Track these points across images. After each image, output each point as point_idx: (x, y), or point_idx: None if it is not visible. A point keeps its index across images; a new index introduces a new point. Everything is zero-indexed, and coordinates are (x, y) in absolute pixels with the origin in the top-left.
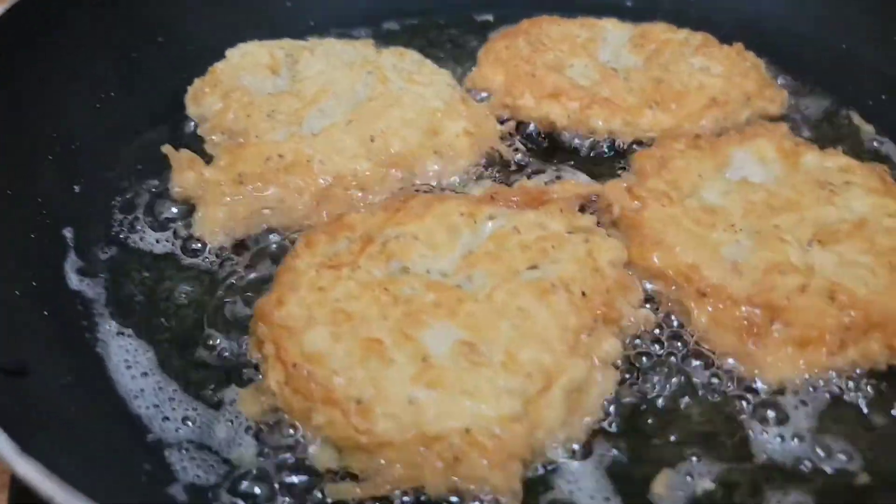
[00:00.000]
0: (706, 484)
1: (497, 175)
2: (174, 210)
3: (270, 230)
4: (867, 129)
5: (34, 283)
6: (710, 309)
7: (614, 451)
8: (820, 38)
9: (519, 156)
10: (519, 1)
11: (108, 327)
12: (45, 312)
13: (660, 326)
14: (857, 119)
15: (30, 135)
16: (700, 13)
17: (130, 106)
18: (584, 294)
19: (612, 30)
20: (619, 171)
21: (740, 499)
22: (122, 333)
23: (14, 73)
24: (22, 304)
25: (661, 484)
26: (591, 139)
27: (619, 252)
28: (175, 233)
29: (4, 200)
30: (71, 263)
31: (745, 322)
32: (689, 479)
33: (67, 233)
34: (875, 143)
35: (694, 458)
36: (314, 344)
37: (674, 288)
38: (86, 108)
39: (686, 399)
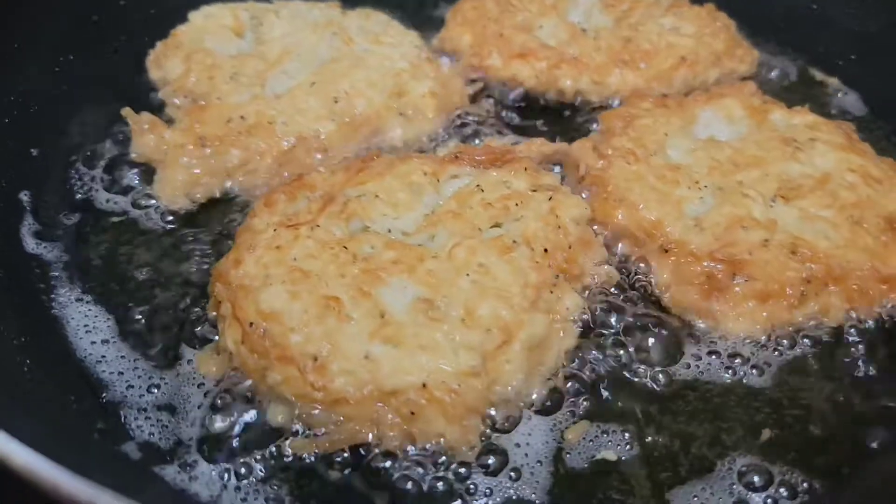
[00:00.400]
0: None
1: (463, 135)
2: (134, 174)
3: (232, 193)
4: (832, 81)
5: None
6: (672, 265)
7: (569, 410)
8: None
9: (488, 117)
10: None
11: (67, 291)
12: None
13: (622, 285)
14: (820, 75)
15: None
16: None
17: (90, 70)
18: (545, 251)
19: None
20: (590, 131)
21: None
22: (81, 300)
23: None
24: None
25: (575, 432)
26: (560, 100)
27: (582, 209)
28: (135, 197)
29: None
30: (27, 227)
31: (707, 277)
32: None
33: (24, 196)
34: (841, 97)
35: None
36: (270, 302)
37: (636, 246)
38: (44, 72)
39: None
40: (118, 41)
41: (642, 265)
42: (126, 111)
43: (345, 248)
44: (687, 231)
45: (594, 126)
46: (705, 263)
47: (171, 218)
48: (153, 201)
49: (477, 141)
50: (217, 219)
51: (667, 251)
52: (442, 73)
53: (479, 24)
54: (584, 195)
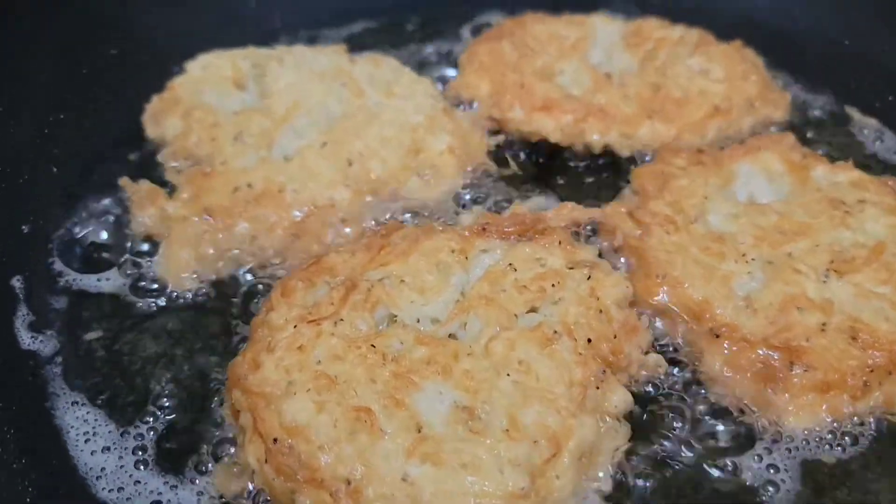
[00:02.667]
0: None
1: (485, 196)
2: (135, 250)
3: (242, 268)
4: (869, 121)
5: None
6: (724, 351)
7: None
8: (819, 32)
9: (509, 173)
10: None
11: (66, 393)
12: None
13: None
14: (857, 116)
15: None
16: (693, 3)
17: (83, 128)
18: (589, 341)
19: (603, 27)
20: (621, 186)
21: None
22: (81, 403)
23: None
24: None
25: None
26: (587, 152)
27: (624, 289)
28: (137, 276)
29: None
30: (21, 319)
31: (763, 365)
32: None
33: (16, 282)
34: (879, 144)
35: None
36: (295, 415)
37: (684, 327)
38: (33, 136)
39: (701, 452)
40: (112, 94)
41: (689, 349)
42: (124, 181)
43: (372, 346)
44: (738, 313)
45: (625, 183)
46: (760, 351)
47: (177, 300)
48: (156, 283)
49: (499, 199)
50: (227, 300)
51: (717, 336)
52: (459, 124)
53: (497, 70)
54: (621, 266)
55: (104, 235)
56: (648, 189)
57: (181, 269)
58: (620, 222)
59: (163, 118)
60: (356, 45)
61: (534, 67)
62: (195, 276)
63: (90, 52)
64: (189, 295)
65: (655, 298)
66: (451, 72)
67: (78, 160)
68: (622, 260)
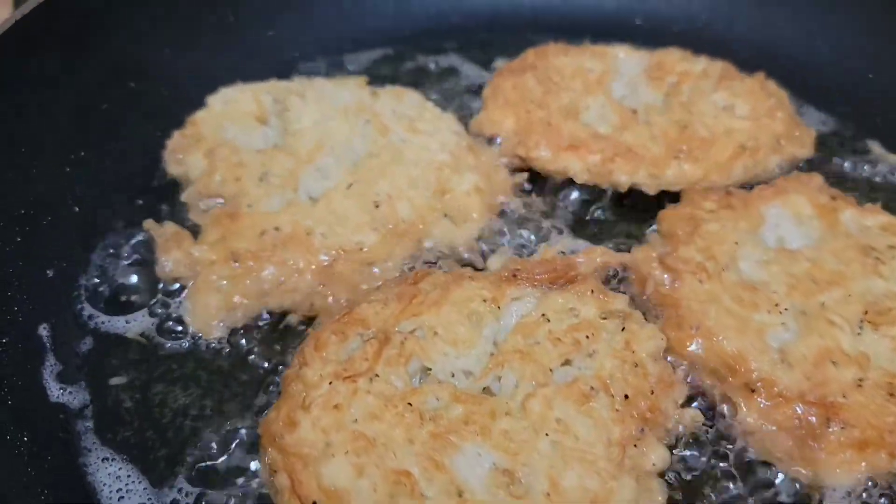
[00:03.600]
0: None
1: (511, 235)
2: (162, 288)
3: (269, 314)
4: (891, 158)
5: (10, 401)
6: (760, 406)
7: None
8: (842, 63)
9: (534, 212)
10: (519, 21)
11: (97, 448)
12: (25, 437)
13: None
14: (879, 150)
15: None
16: (713, 35)
17: (104, 166)
18: (626, 397)
19: (625, 59)
20: (645, 224)
21: None
22: (112, 459)
23: None
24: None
25: None
26: (612, 191)
27: (659, 341)
28: (164, 322)
29: None
30: (49, 369)
31: (800, 422)
32: None
33: (43, 331)
34: None
35: None
36: (335, 478)
37: (716, 380)
38: (54, 176)
39: None
40: (131, 130)
41: (721, 401)
42: (148, 224)
43: (409, 404)
44: (773, 367)
45: (650, 219)
46: (797, 407)
47: (205, 346)
48: (181, 326)
49: (525, 238)
50: (255, 346)
51: (753, 391)
52: (483, 162)
53: (522, 107)
54: (650, 313)
55: (130, 277)
56: (677, 233)
57: (210, 317)
58: (651, 269)
59: (185, 155)
60: (374, 73)
61: (559, 104)
62: (222, 323)
63: (109, 87)
64: (217, 341)
65: (688, 349)
66: (470, 100)
67: (100, 199)
68: (652, 310)
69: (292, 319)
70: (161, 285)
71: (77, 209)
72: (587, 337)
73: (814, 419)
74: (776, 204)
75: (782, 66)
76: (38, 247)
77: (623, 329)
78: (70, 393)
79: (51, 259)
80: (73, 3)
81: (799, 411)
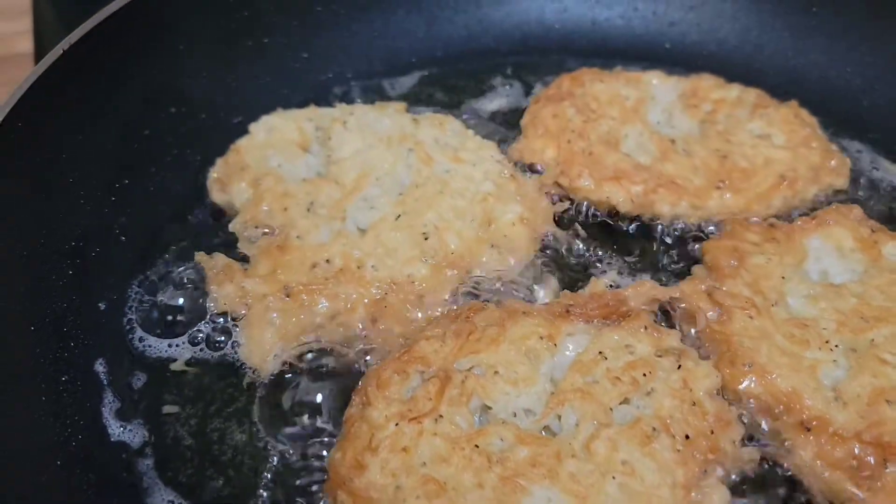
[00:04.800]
0: None
1: (557, 266)
2: (213, 320)
3: (322, 349)
4: None
5: (73, 443)
6: (814, 446)
7: None
8: (874, 90)
9: (578, 243)
10: (550, 44)
11: (159, 489)
12: (91, 477)
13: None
14: None
15: (40, 251)
16: (742, 59)
17: (148, 194)
18: (687, 437)
19: (659, 85)
20: (688, 255)
21: None
22: (174, 501)
23: (12, 176)
24: (64, 476)
25: None
26: (653, 221)
27: (714, 378)
28: (217, 354)
29: (26, 341)
30: (108, 407)
31: (856, 461)
32: None
33: (100, 366)
34: None
35: None
36: None
37: (769, 417)
38: (100, 205)
39: None
40: (173, 156)
41: (773, 440)
42: (200, 256)
43: (476, 446)
44: (828, 405)
45: (689, 250)
46: (853, 447)
47: (259, 380)
48: (233, 359)
49: (571, 269)
50: (309, 382)
51: (808, 429)
52: (526, 192)
53: (563, 136)
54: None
55: (179, 308)
56: (723, 266)
57: (264, 352)
58: (700, 303)
59: (229, 183)
60: (407, 96)
61: (599, 133)
62: (275, 357)
63: (149, 114)
64: (271, 376)
65: (741, 387)
66: (503, 124)
67: (145, 228)
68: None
69: (344, 353)
70: (212, 317)
71: (124, 238)
72: (644, 375)
73: (871, 459)
74: (818, 236)
75: (812, 92)
76: (88, 280)
77: (679, 367)
78: (130, 431)
79: (102, 291)
80: (112, 34)
81: (855, 451)
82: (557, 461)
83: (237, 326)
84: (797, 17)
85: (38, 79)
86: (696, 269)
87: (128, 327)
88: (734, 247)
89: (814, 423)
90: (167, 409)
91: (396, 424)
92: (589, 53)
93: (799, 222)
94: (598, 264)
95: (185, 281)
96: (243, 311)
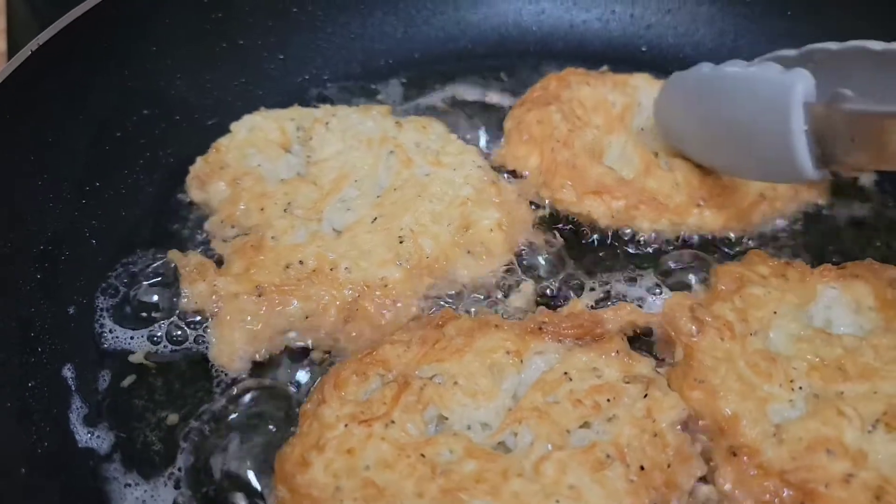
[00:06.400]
0: None
1: (532, 272)
2: (185, 319)
3: (291, 349)
4: None
5: (39, 450)
6: (736, 471)
7: None
8: None
9: (555, 250)
10: (527, 47)
11: (124, 496)
12: (56, 487)
13: None
14: None
15: (7, 254)
16: (719, 62)
17: (120, 196)
18: (642, 468)
19: (646, 90)
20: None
21: None
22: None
23: None
24: (30, 484)
25: None
26: (633, 234)
27: (681, 411)
28: (187, 349)
29: None
30: (76, 413)
31: (772, 498)
32: None
33: (68, 372)
34: None
35: None
36: None
37: (704, 438)
38: (69, 208)
39: None
40: (145, 157)
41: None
42: (173, 254)
43: (422, 455)
44: (764, 438)
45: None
46: (772, 483)
47: (229, 381)
48: (207, 360)
49: (546, 275)
50: (277, 382)
51: (735, 454)
52: (506, 197)
53: (547, 144)
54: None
55: (150, 309)
56: (721, 288)
57: (233, 352)
58: (681, 318)
59: (208, 182)
60: (385, 98)
61: (584, 142)
62: (245, 357)
63: (122, 115)
64: (241, 376)
65: (687, 399)
66: (481, 126)
67: (116, 230)
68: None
69: (314, 355)
70: (181, 316)
71: (94, 241)
72: (608, 400)
73: (787, 501)
74: (836, 286)
75: None
76: (58, 284)
77: (645, 396)
78: (98, 437)
79: (71, 295)
80: (83, 33)
81: (773, 487)
82: (503, 479)
83: (207, 327)
84: (772, 20)
85: (7, 79)
86: (697, 286)
87: (99, 331)
88: (741, 274)
89: (743, 450)
90: (137, 412)
91: (346, 425)
92: (566, 56)
93: (820, 269)
94: (578, 281)
95: (155, 285)
96: (215, 310)
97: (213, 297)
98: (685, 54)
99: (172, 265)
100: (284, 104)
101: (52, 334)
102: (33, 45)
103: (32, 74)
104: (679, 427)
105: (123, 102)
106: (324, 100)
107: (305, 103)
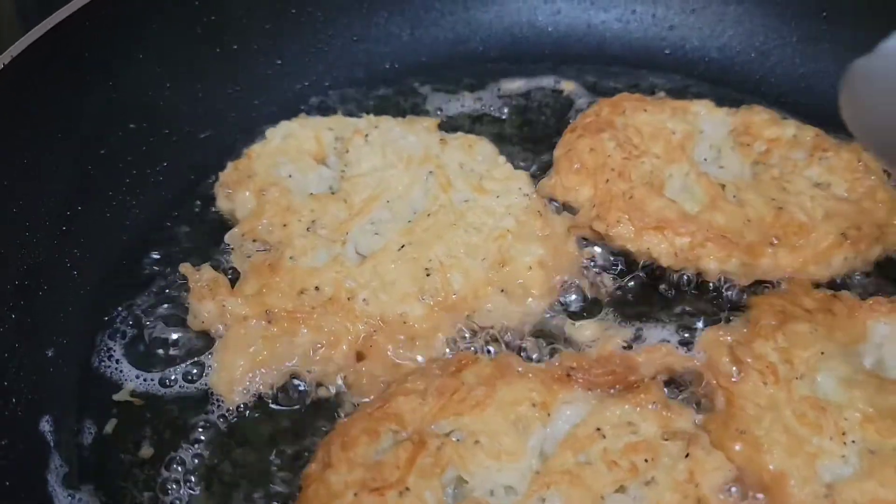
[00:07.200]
0: None
1: (568, 317)
2: (174, 354)
3: (297, 384)
4: None
5: None
6: None
7: None
8: None
9: (601, 294)
10: (544, 49)
11: None
12: None
13: None
14: None
15: None
16: (747, 67)
17: (104, 221)
18: None
19: (707, 117)
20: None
21: None
22: None
23: None
24: None
25: None
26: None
27: (727, 473)
28: (182, 390)
29: None
30: (55, 473)
31: None
32: None
33: (46, 425)
34: None
35: None
36: None
37: (749, 489)
38: (48, 237)
39: None
40: (132, 177)
41: None
42: (185, 268)
43: None
44: (814, 500)
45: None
46: None
47: (225, 417)
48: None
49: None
50: (279, 423)
51: None
52: (552, 232)
53: (600, 175)
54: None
55: (137, 355)
56: (762, 325)
57: (234, 381)
58: (718, 360)
59: (236, 191)
60: (388, 106)
61: (641, 172)
62: (246, 389)
63: (106, 131)
64: (239, 409)
65: (727, 451)
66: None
67: (101, 260)
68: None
69: (321, 392)
70: (169, 351)
71: (76, 273)
72: (646, 461)
73: None
74: (889, 322)
75: (821, 105)
76: (35, 323)
77: (687, 455)
78: (80, 500)
79: (50, 336)
80: (63, 42)
81: None
82: None
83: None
84: (806, 21)
85: None
86: (735, 320)
87: (78, 378)
88: (783, 307)
89: None
90: (123, 468)
91: (356, 494)
92: (584, 59)
93: (871, 301)
94: (615, 322)
95: (142, 320)
96: (221, 331)
97: (221, 317)
98: (711, 58)
99: (167, 291)
100: (282, 113)
101: (29, 382)
102: (5, 58)
103: (6, 87)
104: (727, 487)
105: (107, 116)
106: (325, 108)
107: (306, 112)
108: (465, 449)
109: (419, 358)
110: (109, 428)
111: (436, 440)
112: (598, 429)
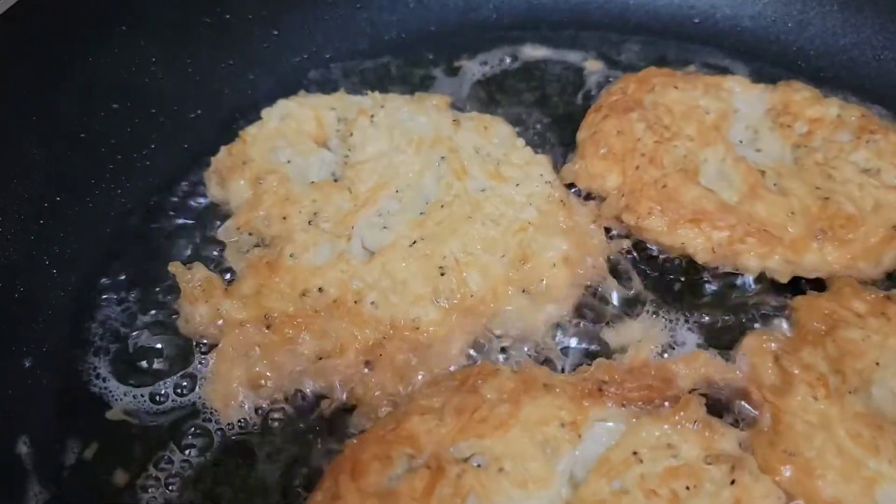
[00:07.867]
0: None
1: (596, 316)
2: (161, 366)
3: (299, 397)
4: None
5: None
6: None
7: None
8: None
9: (630, 293)
10: (560, 16)
11: None
12: None
13: None
14: None
15: None
16: (783, 37)
17: (86, 214)
18: None
19: (742, 95)
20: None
21: None
22: None
23: None
24: None
25: None
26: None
27: (776, 502)
28: (177, 411)
29: None
30: (34, 499)
31: None
32: None
33: (23, 446)
34: None
35: None
36: None
37: None
38: (24, 234)
39: None
40: (115, 162)
41: None
42: (175, 267)
43: None
44: None
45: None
46: None
47: (220, 435)
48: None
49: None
50: (279, 441)
51: None
52: (577, 223)
53: (629, 160)
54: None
55: (123, 355)
56: (809, 330)
57: (231, 394)
58: (762, 369)
59: (230, 178)
60: (390, 79)
61: (674, 157)
62: (243, 403)
63: (88, 113)
64: (238, 425)
65: (777, 477)
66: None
67: (83, 258)
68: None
69: (326, 406)
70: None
71: (55, 272)
72: (687, 488)
73: None
74: None
75: (865, 77)
76: (10, 331)
77: (732, 481)
78: None
79: (28, 344)
80: (36, 16)
81: None
82: None
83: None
84: None
85: None
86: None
87: (57, 390)
88: (832, 311)
89: None
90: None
91: None
92: (605, 27)
93: None
94: (649, 324)
95: (124, 329)
96: (215, 335)
97: (215, 322)
98: (743, 27)
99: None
100: (279, 89)
101: (4, 397)
102: None
103: None
104: None
105: (87, 98)
106: (326, 83)
107: (304, 88)
108: (487, 476)
109: (434, 368)
110: (93, 448)
111: (455, 467)
112: (635, 452)
